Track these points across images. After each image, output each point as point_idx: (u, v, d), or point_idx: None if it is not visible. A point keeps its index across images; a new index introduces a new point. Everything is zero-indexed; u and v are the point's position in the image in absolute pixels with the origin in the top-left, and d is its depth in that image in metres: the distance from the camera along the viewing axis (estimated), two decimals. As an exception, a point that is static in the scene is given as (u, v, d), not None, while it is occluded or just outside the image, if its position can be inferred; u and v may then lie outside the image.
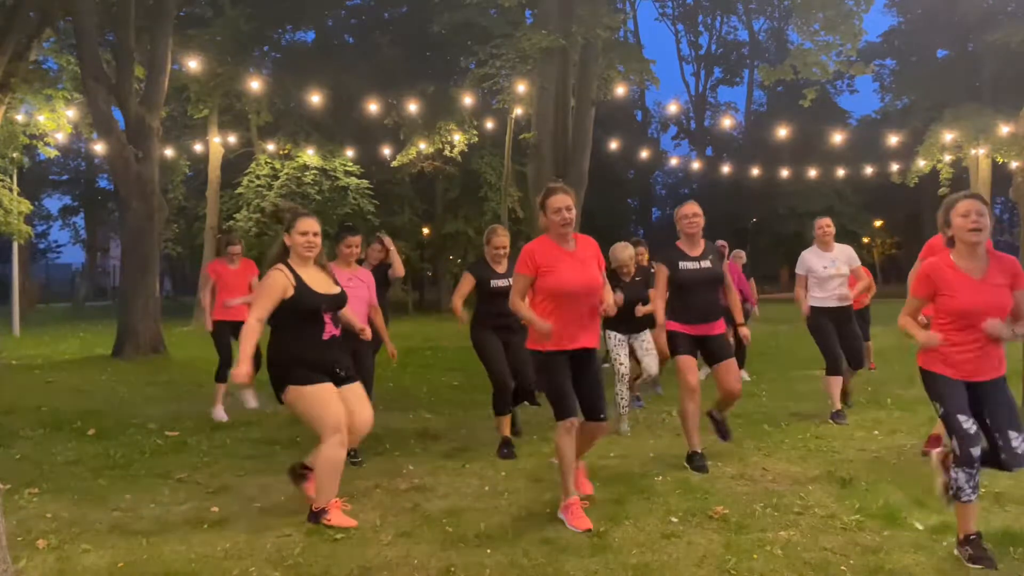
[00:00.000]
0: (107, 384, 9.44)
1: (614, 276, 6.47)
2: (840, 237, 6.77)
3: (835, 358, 6.35)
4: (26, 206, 16.69)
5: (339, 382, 3.99)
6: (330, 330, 4.02)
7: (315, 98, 17.27)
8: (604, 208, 33.76)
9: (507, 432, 5.49)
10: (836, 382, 6.38)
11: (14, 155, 16.32)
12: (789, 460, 5.09)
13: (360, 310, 5.28)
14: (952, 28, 29.78)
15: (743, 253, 9.50)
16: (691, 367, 4.89)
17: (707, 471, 4.82)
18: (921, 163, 25.45)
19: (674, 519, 3.88)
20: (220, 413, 6.86)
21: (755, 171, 24.58)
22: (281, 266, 3.97)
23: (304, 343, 3.93)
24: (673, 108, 37.99)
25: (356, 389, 4.07)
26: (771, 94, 39.69)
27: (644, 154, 27.34)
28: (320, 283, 4.03)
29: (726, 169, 26.14)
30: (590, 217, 19.86)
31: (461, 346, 11.06)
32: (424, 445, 5.70)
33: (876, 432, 5.85)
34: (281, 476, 4.78)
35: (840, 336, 6.38)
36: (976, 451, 3.28)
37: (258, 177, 22.22)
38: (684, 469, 4.83)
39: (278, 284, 3.89)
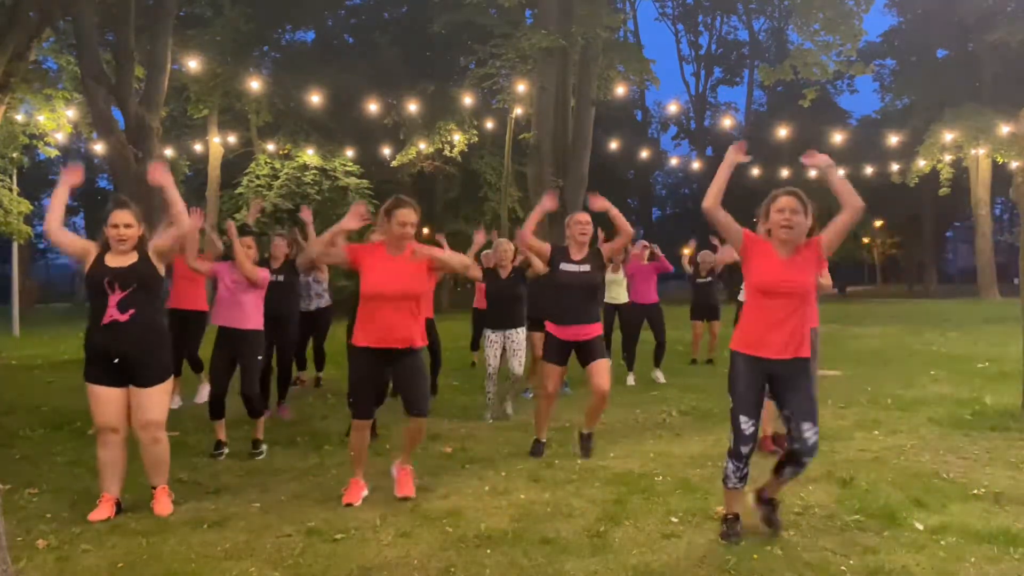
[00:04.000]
0: (107, 384, 9.42)
1: (491, 272, 6.61)
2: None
3: None
4: (26, 206, 16.68)
5: (121, 375, 3.94)
6: (112, 314, 3.82)
7: (315, 98, 17.27)
8: (604, 208, 33.69)
9: None
10: None
11: (14, 155, 16.31)
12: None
13: (251, 312, 5.38)
14: (952, 28, 29.80)
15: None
16: (551, 374, 5.26)
17: (542, 455, 5.17)
18: (921, 163, 25.49)
19: (674, 519, 3.88)
20: (200, 395, 7.34)
21: (755, 171, 24.56)
22: (100, 240, 4.02)
23: (89, 326, 3.94)
24: (673, 108, 37.84)
25: (138, 394, 4.01)
26: (771, 94, 39.64)
27: (644, 154, 27.31)
28: (119, 258, 3.93)
29: (726, 169, 26.09)
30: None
31: (460, 346, 11.06)
32: (424, 445, 5.68)
33: (876, 432, 5.85)
34: (281, 476, 4.79)
35: None
36: (745, 449, 3.53)
37: (258, 177, 22.21)
38: (684, 469, 4.84)
39: (80, 239, 4.17)
